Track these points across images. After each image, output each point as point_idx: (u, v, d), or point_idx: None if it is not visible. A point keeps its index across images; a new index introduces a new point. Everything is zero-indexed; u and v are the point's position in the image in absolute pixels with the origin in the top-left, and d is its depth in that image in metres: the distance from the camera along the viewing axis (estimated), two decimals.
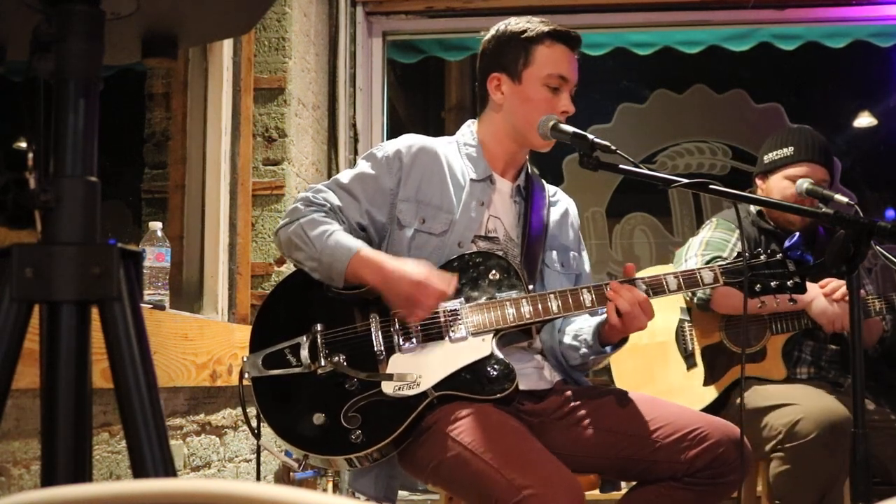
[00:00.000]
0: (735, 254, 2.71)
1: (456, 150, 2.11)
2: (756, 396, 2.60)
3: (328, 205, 1.97)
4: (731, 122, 5.24)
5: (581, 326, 2.04)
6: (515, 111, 2.04)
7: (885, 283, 4.35)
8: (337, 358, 1.85)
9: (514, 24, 2.07)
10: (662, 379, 2.86)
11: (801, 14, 4.11)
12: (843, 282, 2.56)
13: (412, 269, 1.85)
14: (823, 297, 2.58)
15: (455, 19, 4.10)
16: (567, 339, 2.06)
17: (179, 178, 3.03)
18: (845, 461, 2.38)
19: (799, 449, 2.39)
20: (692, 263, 2.66)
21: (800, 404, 2.46)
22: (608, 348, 2.00)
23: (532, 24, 2.04)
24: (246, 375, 1.88)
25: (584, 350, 2.02)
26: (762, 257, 1.98)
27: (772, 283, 1.96)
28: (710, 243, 2.74)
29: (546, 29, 2.03)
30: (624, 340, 2.00)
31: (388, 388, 1.83)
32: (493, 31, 2.11)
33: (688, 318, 2.87)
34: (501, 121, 2.08)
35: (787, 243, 2.00)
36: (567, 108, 2.01)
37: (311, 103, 3.59)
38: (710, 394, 2.76)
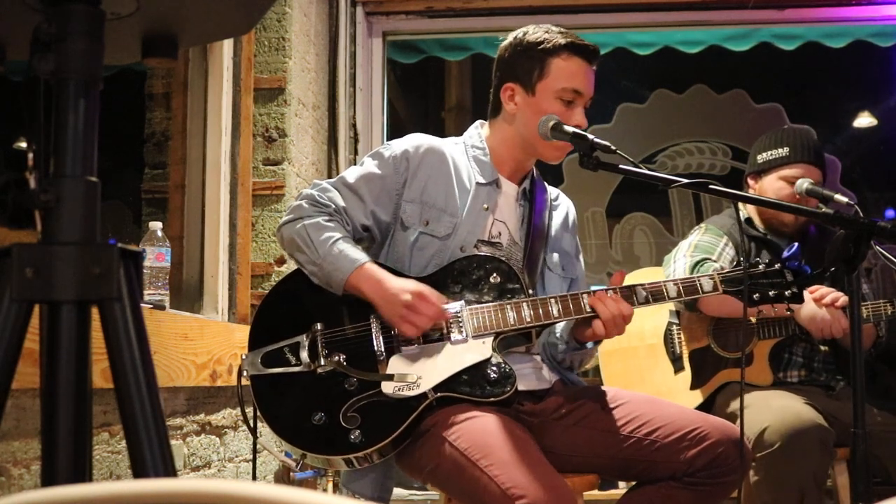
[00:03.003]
0: (723, 258, 2.71)
1: (463, 151, 2.11)
2: (737, 402, 2.59)
3: (333, 206, 1.97)
4: (731, 122, 5.23)
5: (561, 324, 2.05)
6: (527, 123, 2.02)
7: (885, 283, 4.35)
8: (337, 357, 1.85)
9: (532, 33, 2.03)
10: (650, 381, 2.86)
11: (801, 14, 4.11)
12: (832, 289, 2.56)
13: (410, 284, 1.86)
14: (813, 303, 2.57)
15: (455, 19, 4.10)
16: (551, 338, 2.08)
17: (179, 178, 3.03)
18: (817, 467, 2.39)
19: (767, 458, 2.38)
20: (680, 265, 2.66)
21: (767, 412, 2.45)
22: (589, 345, 2.01)
23: (550, 35, 2.01)
24: (244, 374, 1.88)
25: (561, 346, 2.04)
26: (761, 266, 1.99)
27: (770, 293, 1.97)
28: (699, 246, 2.74)
29: (563, 41, 2.00)
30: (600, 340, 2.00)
31: (387, 388, 1.83)
32: (510, 39, 2.08)
33: (676, 322, 2.88)
34: (513, 131, 2.07)
35: (785, 253, 2.01)
36: (580, 122, 1.99)
37: (311, 103, 3.59)
38: (697, 398, 2.76)
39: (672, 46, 4.30)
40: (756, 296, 1.97)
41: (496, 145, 2.10)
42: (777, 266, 1.99)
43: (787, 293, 1.97)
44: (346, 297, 1.90)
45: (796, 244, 2.04)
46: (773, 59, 4.43)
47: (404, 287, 1.85)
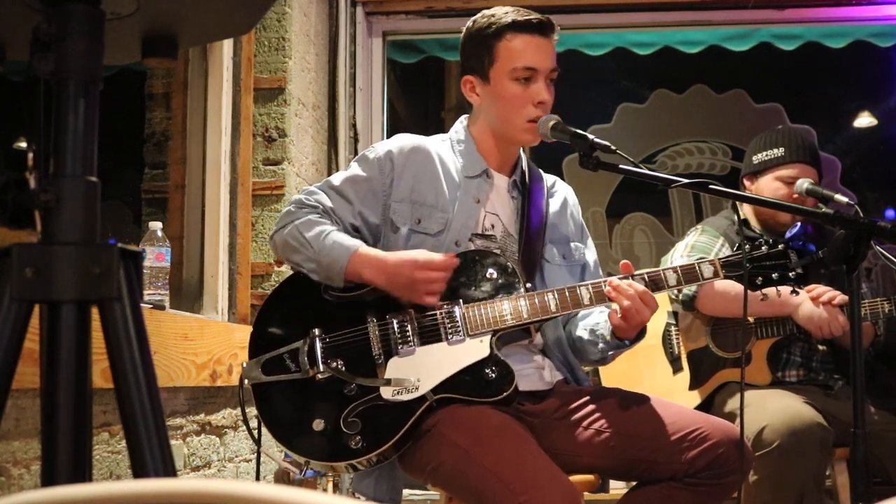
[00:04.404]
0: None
1: (449, 147, 2.10)
2: (735, 402, 2.59)
3: (321, 206, 1.97)
4: (731, 122, 5.23)
5: (597, 321, 2.02)
6: (490, 110, 2.03)
7: (885, 283, 4.35)
8: (335, 363, 1.84)
9: (479, 20, 2.03)
10: (649, 382, 2.86)
11: (801, 14, 4.11)
12: (829, 287, 2.56)
13: (408, 257, 1.86)
14: (810, 302, 2.56)
15: (455, 19, 4.09)
16: (585, 335, 2.03)
17: (179, 178, 3.03)
18: (817, 466, 2.39)
19: (766, 458, 2.38)
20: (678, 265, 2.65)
21: (766, 411, 2.44)
22: (627, 342, 1.97)
23: (494, 18, 1.99)
24: (245, 382, 1.87)
25: (602, 345, 1.99)
26: (763, 248, 1.93)
27: (773, 275, 1.92)
28: (696, 246, 2.73)
29: (506, 21, 1.98)
30: (642, 333, 1.96)
31: (387, 392, 1.83)
32: (463, 31, 2.08)
33: (674, 323, 2.88)
34: (484, 121, 2.07)
35: (788, 234, 1.97)
36: (541, 97, 1.96)
37: (311, 103, 3.59)
38: (695, 398, 2.76)
39: (672, 46, 4.29)
40: (759, 280, 1.92)
41: (478, 137, 2.09)
42: (780, 246, 1.93)
43: (790, 274, 1.91)
44: (343, 301, 1.90)
45: (799, 223, 2.01)
46: (773, 59, 4.43)
47: (404, 261, 1.85)
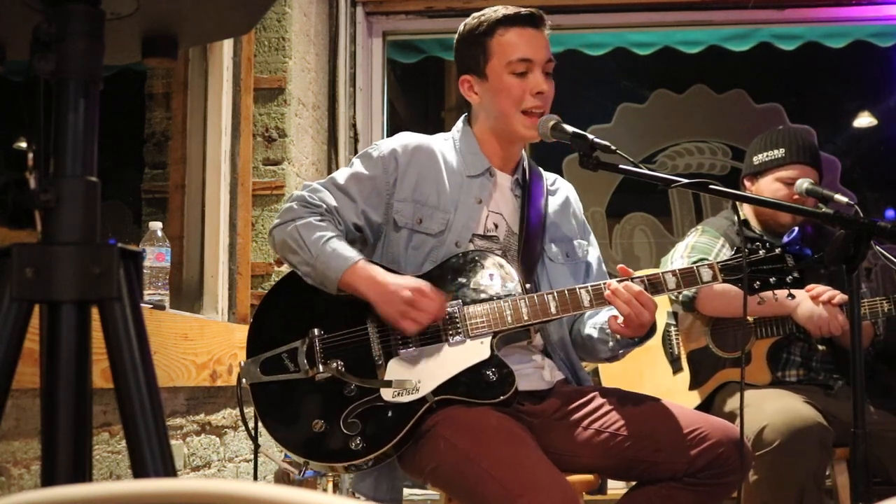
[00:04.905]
0: (720, 259, 2.70)
1: (452, 146, 2.10)
2: (735, 402, 2.60)
3: (324, 206, 1.96)
4: (731, 122, 5.23)
5: (607, 320, 2.01)
6: (490, 106, 2.03)
7: (885, 283, 4.35)
8: (335, 364, 1.84)
9: (470, 22, 2.05)
10: (649, 382, 2.86)
11: (801, 14, 4.11)
12: (828, 287, 2.56)
13: (409, 281, 1.84)
14: (810, 301, 2.56)
15: (455, 19, 4.06)
16: (595, 333, 2.03)
17: (179, 178, 3.03)
18: (817, 466, 2.39)
19: (766, 457, 2.38)
20: (678, 266, 2.65)
21: (766, 411, 2.45)
22: (637, 339, 1.96)
23: (485, 17, 2.02)
24: (243, 381, 1.87)
25: (612, 343, 1.99)
26: (761, 252, 1.94)
27: (771, 279, 1.93)
28: (696, 247, 2.74)
29: (497, 17, 2.00)
30: (652, 331, 1.96)
31: (386, 393, 1.83)
32: (456, 34, 2.09)
33: (674, 323, 2.88)
34: (484, 119, 2.07)
35: (785, 238, 1.98)
36: (539, 87, 1.97)
37: (311, 103, 3.59)
38: (695, 398, 2.76)
39: (672, 46, 4.29)
40: (757, 284, 1.93)
41: (480, 137, 2.09)
42: (777, 251, 1.94)
43: (788, 279, 1.93)
44: (342, 301, 1.89)
45: (796, 228, 2.03)
46: (773, 59, 4.43)
47: (403, 283, 1.83)
